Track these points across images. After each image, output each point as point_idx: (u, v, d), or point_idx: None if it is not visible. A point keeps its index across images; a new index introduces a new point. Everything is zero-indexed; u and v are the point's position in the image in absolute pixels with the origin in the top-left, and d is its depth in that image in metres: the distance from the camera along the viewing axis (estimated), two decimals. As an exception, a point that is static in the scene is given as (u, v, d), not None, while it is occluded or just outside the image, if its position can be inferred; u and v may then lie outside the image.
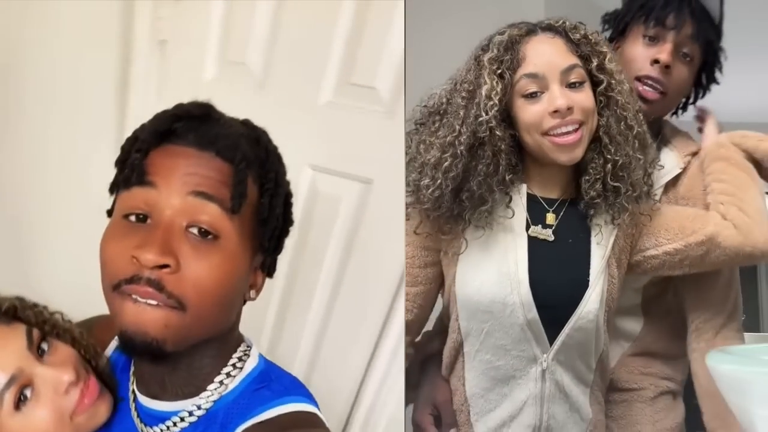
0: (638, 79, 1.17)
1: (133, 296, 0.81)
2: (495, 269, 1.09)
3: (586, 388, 1.16)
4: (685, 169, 1.22)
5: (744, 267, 1.26)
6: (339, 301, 1.47)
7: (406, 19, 1.22)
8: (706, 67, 1.23)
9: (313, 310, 1.49)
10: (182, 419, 0.90)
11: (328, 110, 1.42)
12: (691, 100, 1.29)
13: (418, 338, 1.26)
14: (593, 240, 1.11)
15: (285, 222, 0.97)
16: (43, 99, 1.69)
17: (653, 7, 1.16)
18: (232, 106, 0.96)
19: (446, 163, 1.06)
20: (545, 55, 1.06)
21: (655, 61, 1.16)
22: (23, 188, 1.72)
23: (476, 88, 1.06)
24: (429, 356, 1.25)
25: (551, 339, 1.10)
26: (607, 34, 1.26)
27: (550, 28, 1.09)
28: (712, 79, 1.26)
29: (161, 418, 0.92)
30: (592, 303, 1.09)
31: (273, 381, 0.94)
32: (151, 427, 0.93)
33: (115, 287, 0.83)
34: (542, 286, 1.08)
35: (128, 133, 1.64)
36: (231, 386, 0.92)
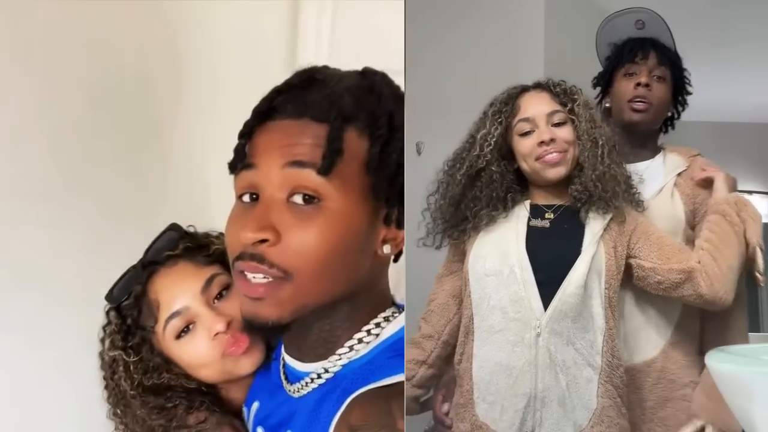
0: (630, 100, 1.52)
1: (245, 272, 0.88)
2: (498, 243, 1.35)
3: (594, 373, 1.26)
4: (688, 167, 1.52)
5: (744, 268, 1.39)
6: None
7: (406, 19, 1.33)
8: (677, 85, 1.58)
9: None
10: (312, 380, 0.97)
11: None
12: (676, 117, 1.63)
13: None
14: (586, 224, 1.34)
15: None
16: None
17: (624, 54, 1.56)
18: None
19: (449, 186, 1.39)
20: (535, 105, 1.38)
21: (638, 84, 1.52)
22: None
23: (476, 133, 1.39)
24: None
25: (546, 306, 1.27)
26: (599, 89, 1.64)
27: (538, 85, 1.41)
28: (684, 93, 1.61)
29: (298, 377, 0.99)
30: (581, 269, 1.28)
31: None
32: (292, 384, 1.00)
33: (233, 266, 0.90)
34: (538, 254, 1.32)
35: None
36: (363, 352, 0.94)
